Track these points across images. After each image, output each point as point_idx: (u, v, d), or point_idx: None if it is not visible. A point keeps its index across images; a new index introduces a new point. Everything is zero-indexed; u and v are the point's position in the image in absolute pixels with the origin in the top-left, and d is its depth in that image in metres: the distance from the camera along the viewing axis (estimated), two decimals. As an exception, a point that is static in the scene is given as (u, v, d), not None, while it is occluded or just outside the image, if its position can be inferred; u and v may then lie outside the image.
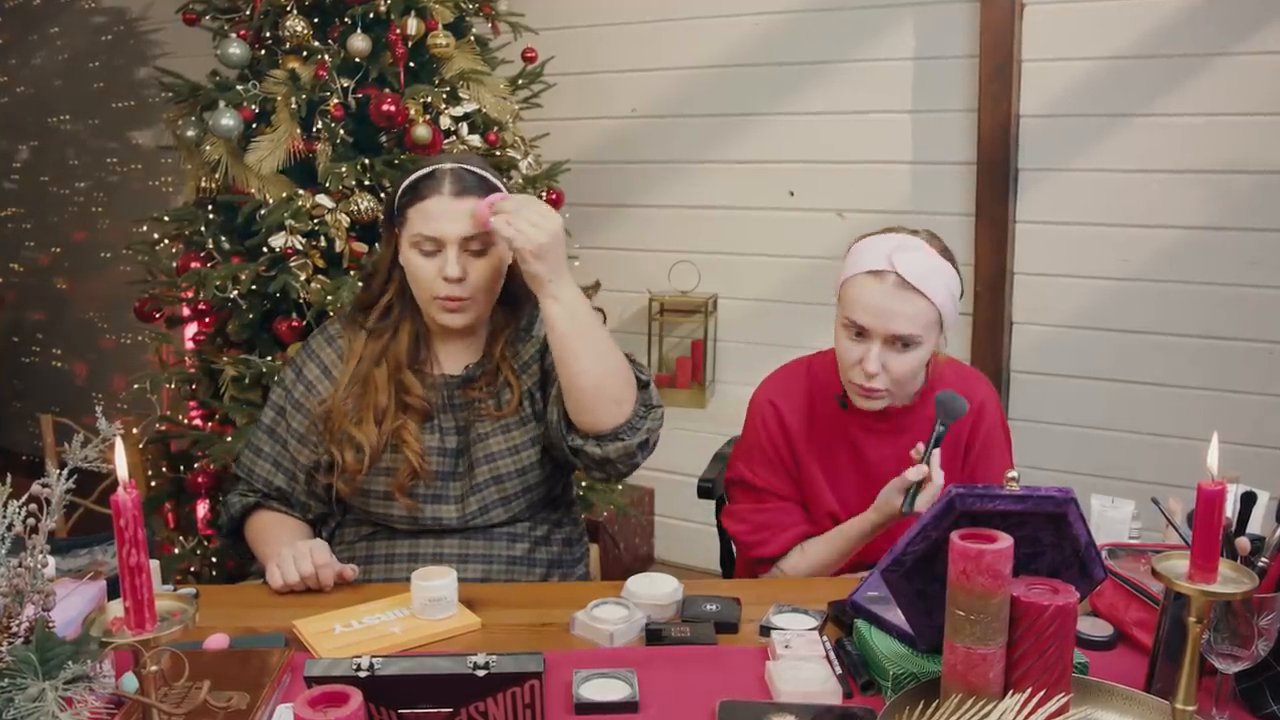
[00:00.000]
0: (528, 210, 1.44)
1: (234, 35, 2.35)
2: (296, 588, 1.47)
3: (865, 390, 1.54)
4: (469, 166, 1.57)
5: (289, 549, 1.49)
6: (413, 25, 2.31)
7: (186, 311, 2.51)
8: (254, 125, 2.31)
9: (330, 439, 1.58)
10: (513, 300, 1.64)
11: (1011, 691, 1.00)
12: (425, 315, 1.61)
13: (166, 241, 2.52)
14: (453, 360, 1.64)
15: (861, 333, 1.52)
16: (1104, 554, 1.26)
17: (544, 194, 2.64)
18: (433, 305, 1.55)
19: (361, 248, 2.29)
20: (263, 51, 2.39)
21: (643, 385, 1.53)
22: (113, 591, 1.01)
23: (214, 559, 2.42)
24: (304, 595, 1.47)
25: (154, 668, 0.95)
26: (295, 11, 2.31)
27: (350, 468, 1.56)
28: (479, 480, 1.59)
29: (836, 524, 1.62)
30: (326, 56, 2.30)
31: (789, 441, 1.65)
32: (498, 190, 1.55)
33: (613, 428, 1.49)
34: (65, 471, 0.97)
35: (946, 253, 1.55)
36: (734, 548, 2.00)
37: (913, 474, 1.47)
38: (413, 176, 1.57)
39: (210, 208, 2.41)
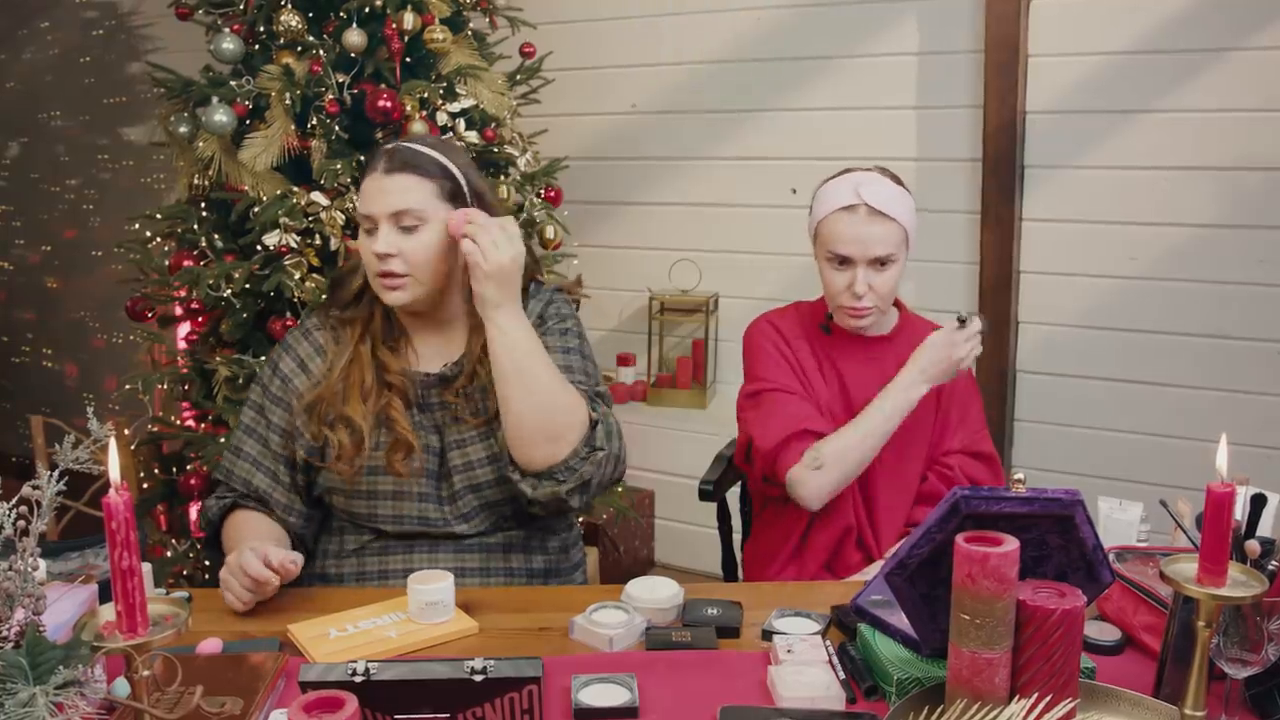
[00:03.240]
0: (494, 230, 1.45)
1: (227, 30, 2.33)
2: (261, 598, 1.40)
3: (854, 311, 1.73)
4: (412, 144, 1.55)
5: (225, 570, 1.41)
6: (409, 20, 2.29)
7: (179, 311, 2.49)
8: (248, 121, 2.30)
9: (321, 424, 1.55)
10: None
11: (1017, 697, 0.99)
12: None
13: (159, 239, 2.50)
14: (430, 357, 1.61)
15: (845, 261, 1.71)
16: (1111, 557, 1.26)
17: (542, 191, 2.62)
18: (376, 283, 1.54)
19: (356, 245, 2.27)
20: (256, 47, 2.38)
21: (592, 424, 1.49)
22: (104, 595, 1.01)
23: (207, 562, 2.40)
24: (299, 599, 1.45)
25: (146, 673, 0.95)
26: (290, 6, 2.28)
27: (346, 449, 1.53)
28: (458, 488, 1.56)
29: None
30: (321, 52, 2.28)
31: (790, 347, 1.82)
32: (444, 168, 1.53)
33: (546, 467, 1.47)
34: (56, 473, 0.96)
35: (899, 182, 1.76)
36: (750, 510, 2.01)
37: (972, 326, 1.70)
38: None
39: (203, 205, 2.40)
